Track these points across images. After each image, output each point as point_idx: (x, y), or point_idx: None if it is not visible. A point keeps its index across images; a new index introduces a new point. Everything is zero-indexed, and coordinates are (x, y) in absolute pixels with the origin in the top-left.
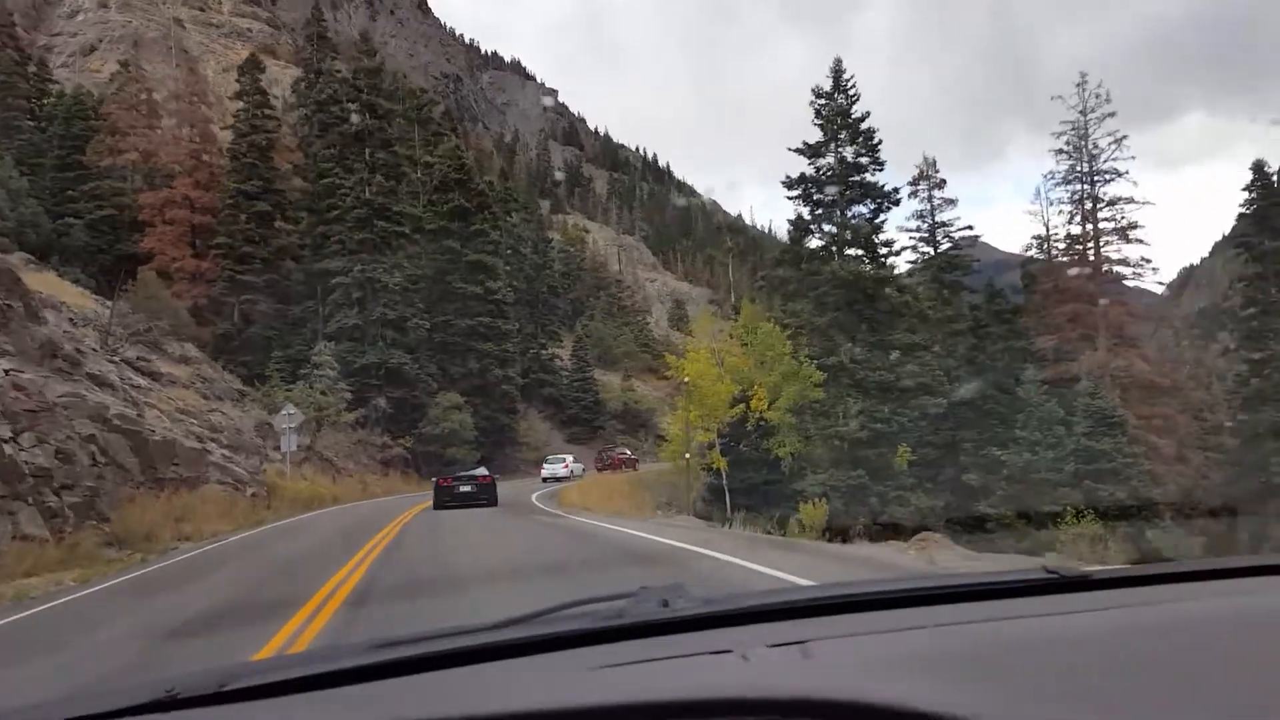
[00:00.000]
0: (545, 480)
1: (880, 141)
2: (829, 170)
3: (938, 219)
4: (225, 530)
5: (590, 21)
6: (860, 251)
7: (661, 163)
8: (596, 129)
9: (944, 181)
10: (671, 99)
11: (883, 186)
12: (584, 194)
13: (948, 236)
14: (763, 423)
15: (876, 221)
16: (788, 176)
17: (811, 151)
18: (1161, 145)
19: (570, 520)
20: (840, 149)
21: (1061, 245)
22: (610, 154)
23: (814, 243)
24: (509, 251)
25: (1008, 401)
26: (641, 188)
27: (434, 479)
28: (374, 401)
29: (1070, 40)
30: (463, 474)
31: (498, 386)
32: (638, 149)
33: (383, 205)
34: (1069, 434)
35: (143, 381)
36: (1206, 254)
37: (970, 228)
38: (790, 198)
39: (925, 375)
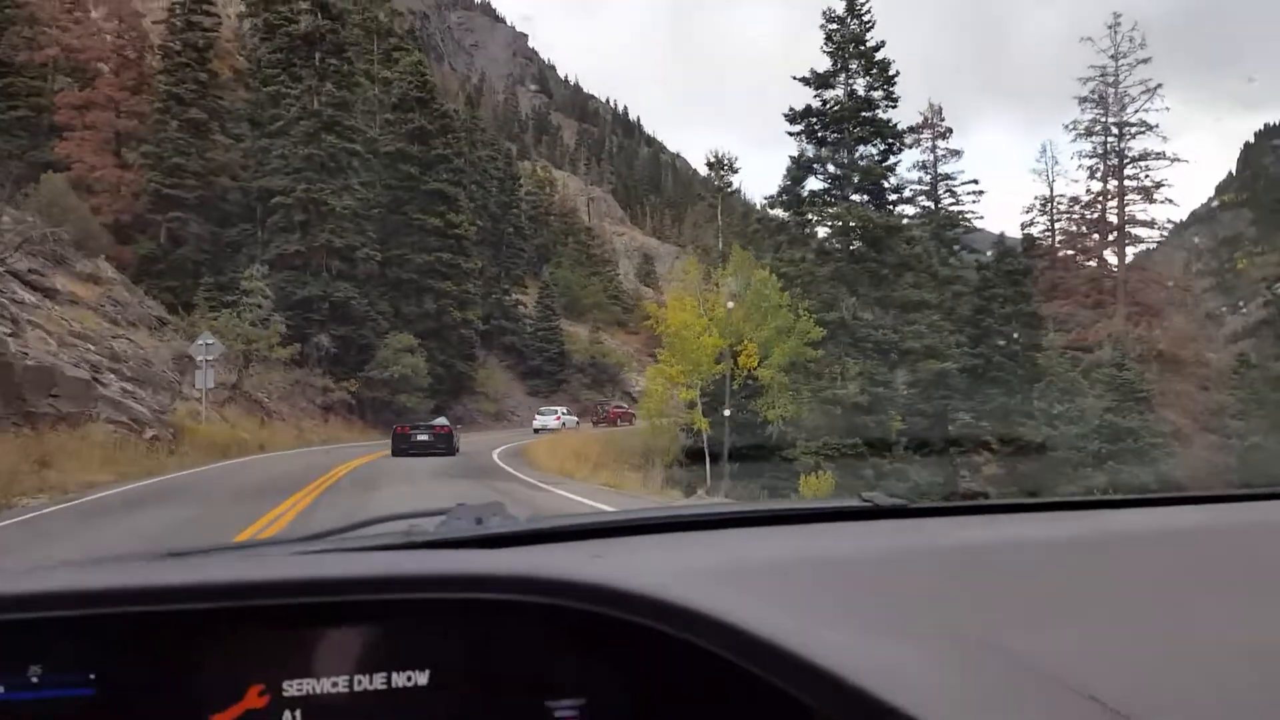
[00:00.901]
0: (537, 431)
1: (897, 74)
2: (836, 104)
3: (940, 171)
4: (106, 481)
5: None
6: (865, 197)
7: (632, 116)
8: (566, 77)
9: (949, 130)
10: (644, 52)
11: (894, 125)
12: (551, 142)
13: (950, 190)
14: (750, 381)
15: (887, 164)
16: (790, 109)
17: (819, 81)
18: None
19: (534, 492)
20: (851, 80)
21: (1065, 207)
22: (580, 104)
23: (815, 184)
24: (473, 185)
25: (1018, 369)
26: (611, 140)
27: (392, 428)
28: (315, 339)
29: (1046, 18)
30: (420, 424)
31: (456, 330)
32: (608, 100)
33: (333, 118)
34: (1093, 408)
35: (30, 298)
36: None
37: (976, 181)
38: (792, 133)
39: (932, 337)
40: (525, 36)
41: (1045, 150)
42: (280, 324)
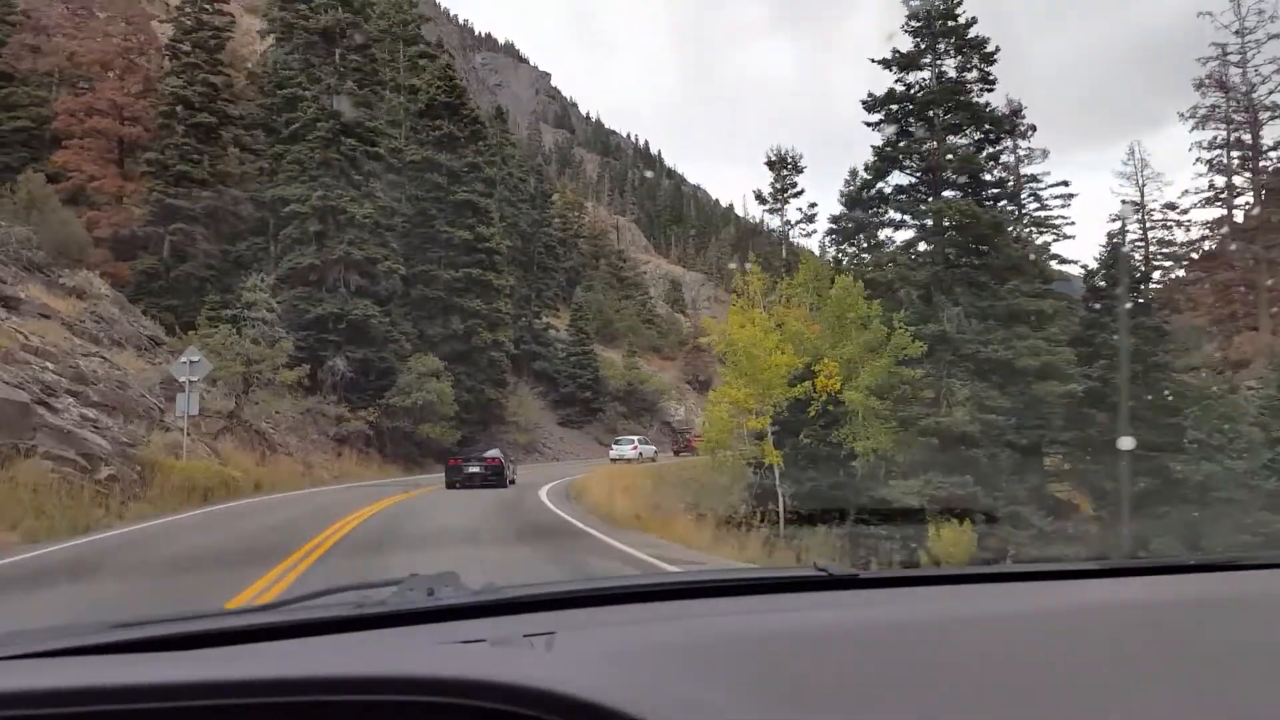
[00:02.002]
0: (614, 461)
1: (997, 49)
2: (923, 88)
3: (1023, 172)
4: (8, 543)
5: (583, 9)
6: (958, 194)
7: (653, 150)
8: (588, 114)
9: (1033, 128)
10: (663, 88)
11: (993, 111)
12: (574, 175)
13: (1034, 194)
14: (831, 408)
15: (988, 154)
16: (869, 95)
17: (903, 63)
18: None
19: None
20: (939, 61)
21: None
22: (602, 139)
23: (899, 180)
24: (503, 202)
25: (1144, 393)
26: (633, 173)
27: (447, 461)
28: (330, 362)
29: (1057, 44)
30: (472, 456)
31: (485, 353)
32: (629, 135)
33: (353, 119)
34: (1265, 440)
35: None
36: None
37: (1066, 183)
38: (870, 124)
39: (1051, 354)
40: (548, 75)
41: (1133, 152)
42: (287, 342)
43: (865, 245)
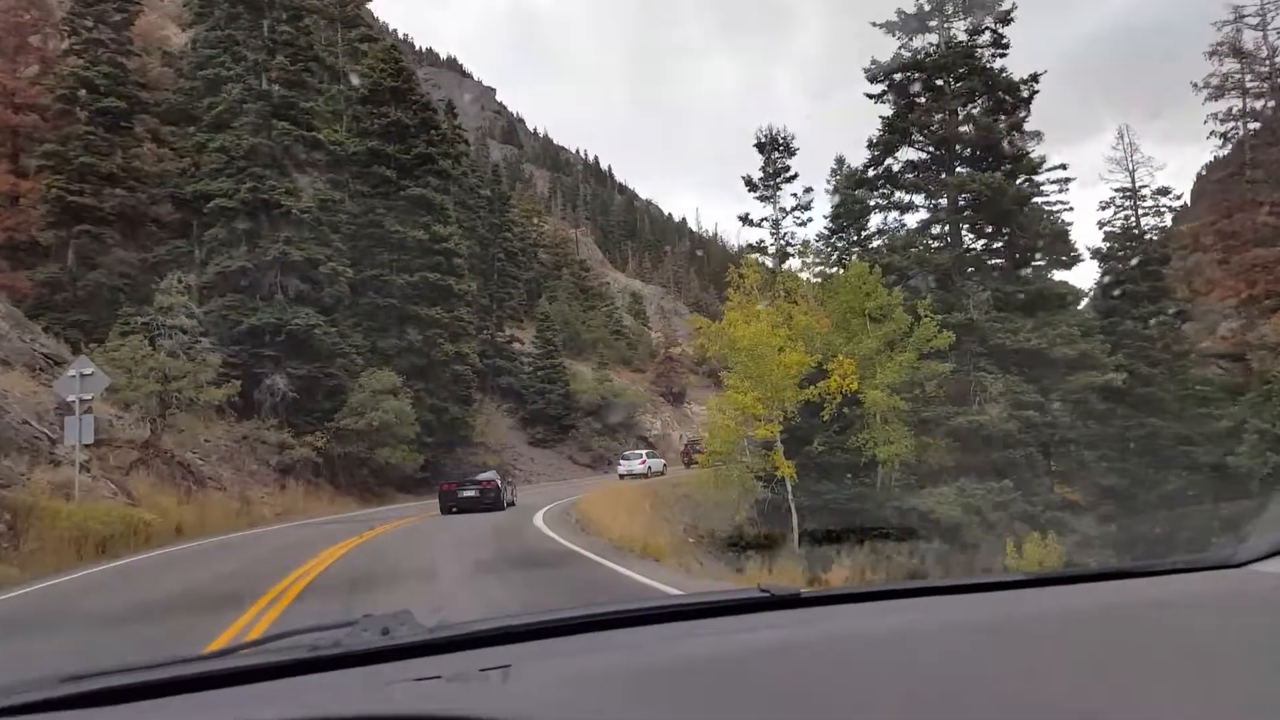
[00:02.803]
0: (622, 477)
1: (1014, 8)
2: (930, 53)
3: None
4: None
5: (526, 25)
6: (968, 171)
7: (603, 166)
8: (535, 130)
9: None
10: (609, 106)
11: (1008, 77)
12: (525, 190)
13: (1028, 180)
14: (846, 410)
15: (1009, 122)
16: (873, 61)
17: (909, 25)
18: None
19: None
20: (948, 23)
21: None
22: (551, 155)
23: (909, 154)
24: (458, 204)
25: (1168, 384)
26: (584, 188)
27: (439, 486)
28: (268, 380)
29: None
30: (467, 479)
31: (447, 367)
32: (578, 151)
33: (286, 100)
34: None
35: None
36: None
37: (1064, 166)
38: (872, 96)
39: (1086, 342)
40: (493, 91)
41: (1123, 136)
42: (210, 352)
43: (856, 238)
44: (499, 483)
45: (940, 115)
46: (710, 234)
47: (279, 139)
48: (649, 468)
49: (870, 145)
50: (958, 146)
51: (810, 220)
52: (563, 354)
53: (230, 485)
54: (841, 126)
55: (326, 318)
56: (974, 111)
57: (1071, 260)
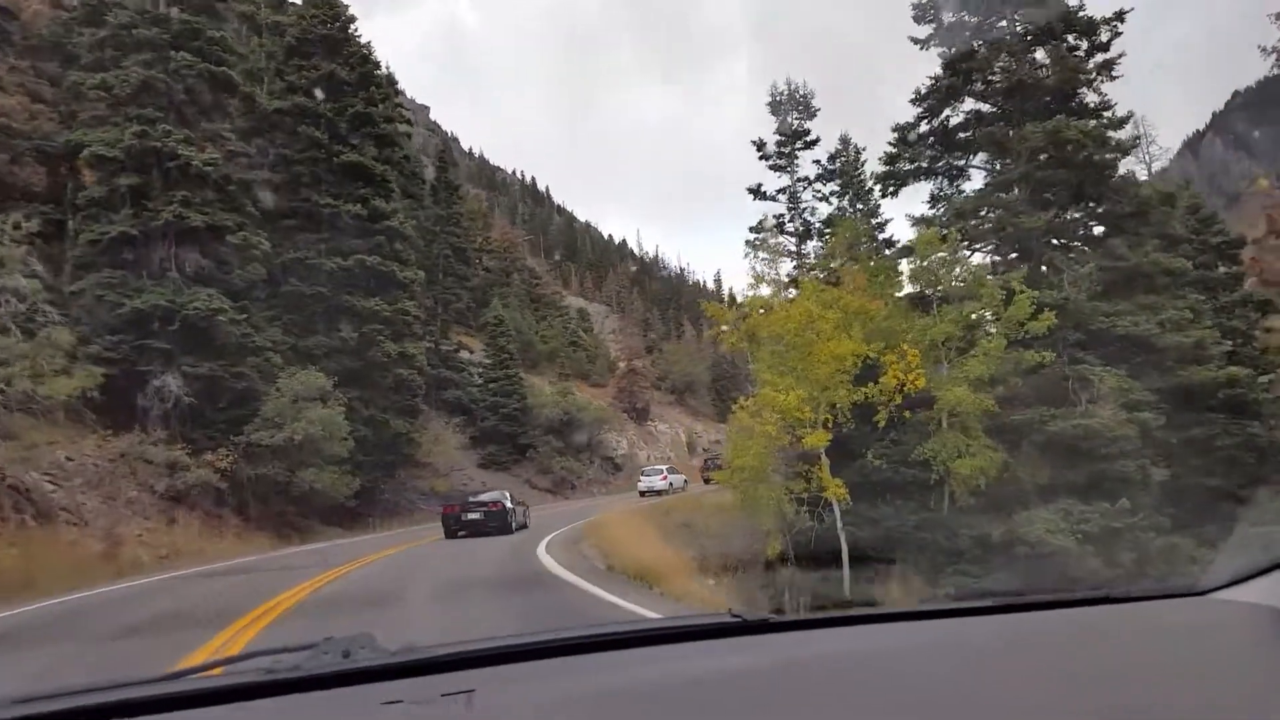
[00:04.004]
0: (643, 495)
1: None
2: None
3: None
4: None
5: (459, 45)
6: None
7: (540, 186)
8: (470, 149)
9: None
10: (544, 128)
11: (1086, 16)
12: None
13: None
14: (909, 414)
15: (1100, 62)
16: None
17: None
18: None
19: None
20: None
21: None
22: (487, 174)
23: (968, 106)
24: (401, 180)
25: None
26: (523, 207)
27: (440, 510)
28: (156, 381)
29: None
30: (471, 501)
31: (389, 371)
32: (514, 172)
33: (189, 26)
34: None
35: None
36: None
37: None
38: (918, 40)
39: (1195, 329)
40: (426, 109)
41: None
42: (62, 331)
43: (931, 194)
44: (506, 504)
45: (1007, 58)
46: (652, 256)
47: (178, 75)
48: (670, 484)
49: (917, 99)
50: (1026, 98)
51: (832, 195)
52: (519, 364)
53: (95, 519)
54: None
55: (235, 303)
56: (1048, 54)
57: (1170, 233)
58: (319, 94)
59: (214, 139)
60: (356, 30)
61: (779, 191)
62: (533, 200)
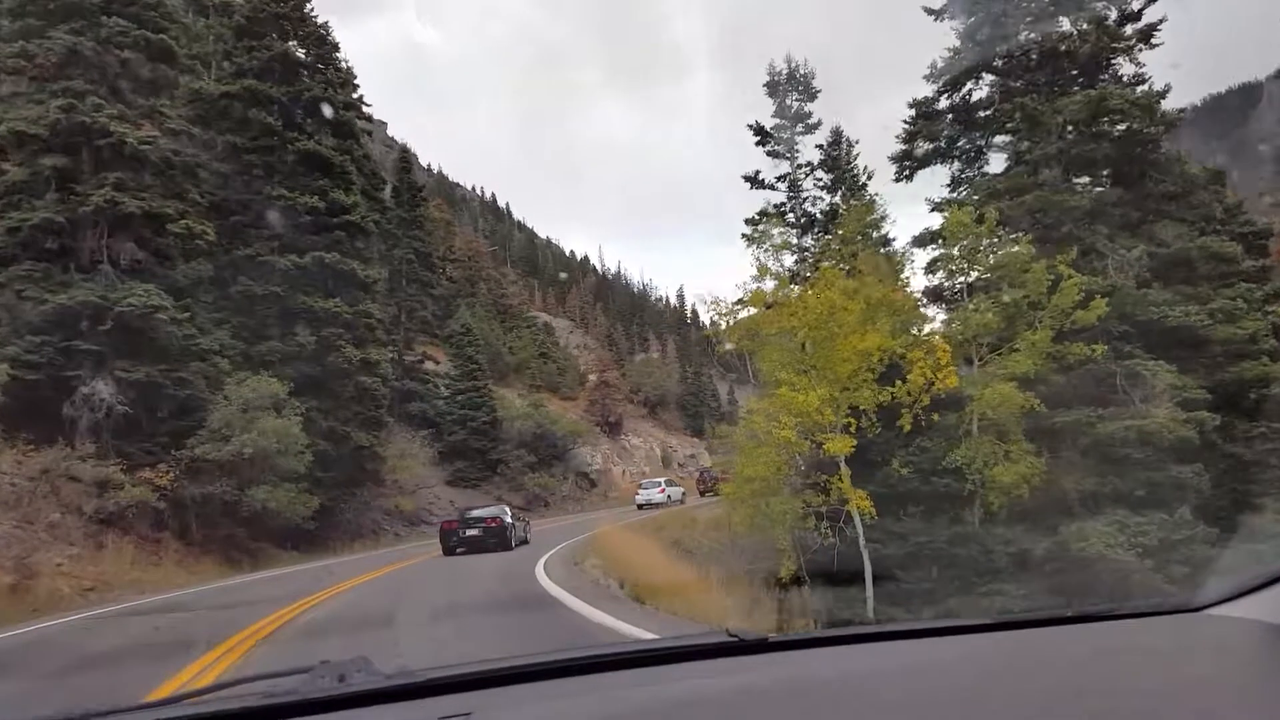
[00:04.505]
0: (641, 508)
1: None
2: None
3: None
4: None
5: (418, 61)
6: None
7: (500, 202)
8: (429, 165)
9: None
10: (504, 145)
11: None
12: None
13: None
14: (937, 416)
15: (1143, 28)
16: None
17: None
18: None
19: None
20: None
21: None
22: (446, 190)
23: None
24: (361, 180)
25: None
26: (483, 222)
27: (438, 526)
28: (85, 388)
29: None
30: (470, 516)
31: (350, 379)
32: (474, 188)
33: None
34: None
35: None
36: None
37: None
38: (934, 12)
39: (1250, 320)
40: (385, 124)
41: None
42: None
43: (953, 175)
44: (505, 519)
45: (1033, 24)
46: (614, 272)
47: (110, 44)
48: (668, 496)
49: (933, 74)
50: (1057, 70)
51: (823, 187)
52: (487, 376)
53: (5, 546)
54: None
55: (178, 302)
56: (1079, 22)
57: (1212, 215)
58: (272, 77)
59: (152, 116)
60: (312, 9)
61: (779, 179)
62: (493, 216)
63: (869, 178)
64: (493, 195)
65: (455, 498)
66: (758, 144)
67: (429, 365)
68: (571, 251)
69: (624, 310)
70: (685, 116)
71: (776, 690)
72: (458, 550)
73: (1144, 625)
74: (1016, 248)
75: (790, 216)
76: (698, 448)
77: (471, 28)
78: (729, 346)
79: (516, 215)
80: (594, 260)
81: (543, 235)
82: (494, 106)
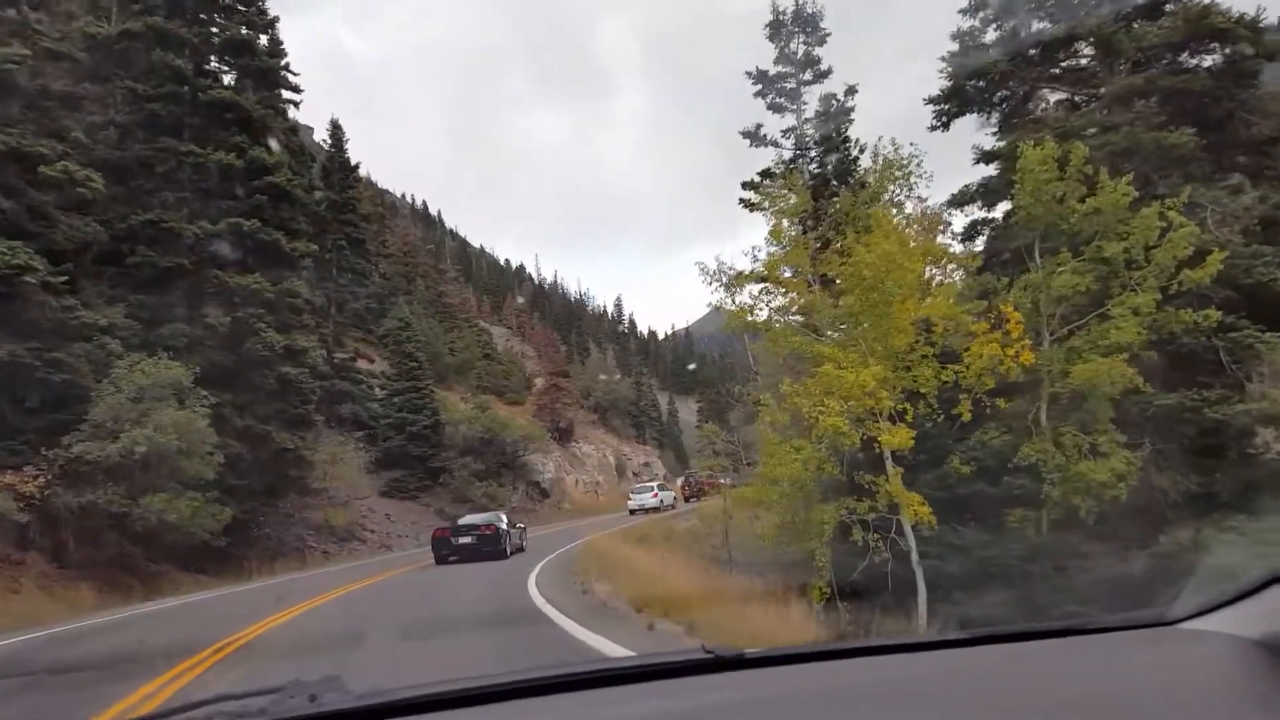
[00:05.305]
0: (633, 513)
1: None
2: None
3: None
4: None
5: (345, 66)
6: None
7: (432, 210)
8: (358, 169)
9: None
10: (435, 154)
11: None
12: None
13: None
14: (1003, 404)
15: None
16: None
17: None
18: None
19: None
20: None
21: None
22: (375, 197)
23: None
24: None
25: None
26: (414, 230)
27: (433, 533)
28: None
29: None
30: (462, 524)
31: (272, 370)
32: (404, 195)
33: None
34: None
35: None
36: None
37: None
38: None
39: None
40: (310, 129)
41: None
42: None
43: (1000, 116)
44: (500, 526)
45: None
46: (550, 281)
47: None
48: (661, 500)
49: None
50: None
51: (847, 139)
52: (428, 375)
53: None
54: (664, 180)
55: (55, 268)
56: None
57: None
58: (183, 16)
59: (22, 33)
60: None
61: (785, 133)
62: (424, 224)
63: (860, 150)
64: (424, 202)
65: (392, 510)
66: (757, 94)
67: (362, 364)
68: (506, 260)
69: (561, 319)
70: (619, 129)
71: (753, 708)
72: (450, 559)
73: (1119, 639)
74: (1116, 191)
75: (808, 171)
76: (651, 456)
77: (400, 32)
78: (758, 317)
79: (449, 223)
80: (530, 269)
81: (475, 244)
82: (424, 113)
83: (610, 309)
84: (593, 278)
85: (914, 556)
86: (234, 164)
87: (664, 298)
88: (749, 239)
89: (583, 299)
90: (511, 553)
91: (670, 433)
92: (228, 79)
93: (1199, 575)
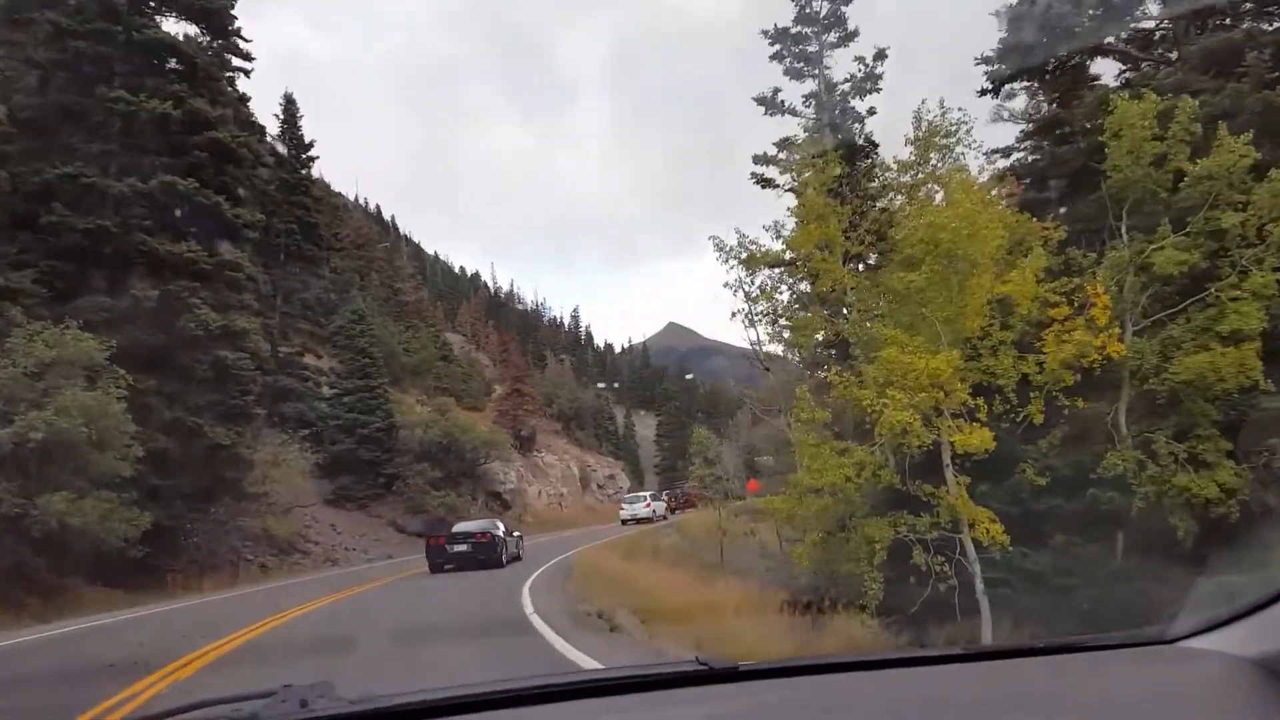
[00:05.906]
0: (625, 523)
1: None
2: None
3: None
4: None
5: (296, 65)
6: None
7: (385, 214)
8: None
9: None
10: (391, 159)
11: None
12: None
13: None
14: (1082, 404)
15: None
16: None
17: None
18: None
19: None
20: None
21: None
22: (328, 199)
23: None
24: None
25: None
26: (368, 226)
27: (427, 541)
28: None
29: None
30: (457, 532)
31: (207, 353)
32: (357, 199)
33: None
34: None
35: None
36: None
37: None
38: None
39: None
40: (264, 128)
41: None
42: None
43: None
44: (496, 534)
45: None
46: (506, 291)
47: None
48: (653, 510)
49: None
50: None
51: (874, 109)
52: (383, 374)
53: None
54: (620, 198)
55: None
56: None
57: None
58: None
59: None
60: None
61: (806, 99)
62: (379, 228)
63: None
64: (377, 207)
65: (338, 521)
66: (773, 58)
67: (310, 360)
68: (461, 268)
69: (517, 328)
70: (577, 143)
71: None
72: (445, 567)
73: (1117, 657)
74: (1232, 151)
75: (833, 139)
76: (615, 468)
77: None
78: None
79: (403, 229)
80: (485, 277)
81: (430, 250)
82: (381, 119)
83: (567, 320)
84: (549, 288)
85: (978, 585)
86: (170, 114)
87: (621, 311)
88: (707, 260)
89: (539, 309)
90: (508, 561)
91: (627, 446)
92: (171, 25)
93: (1198, 593)
